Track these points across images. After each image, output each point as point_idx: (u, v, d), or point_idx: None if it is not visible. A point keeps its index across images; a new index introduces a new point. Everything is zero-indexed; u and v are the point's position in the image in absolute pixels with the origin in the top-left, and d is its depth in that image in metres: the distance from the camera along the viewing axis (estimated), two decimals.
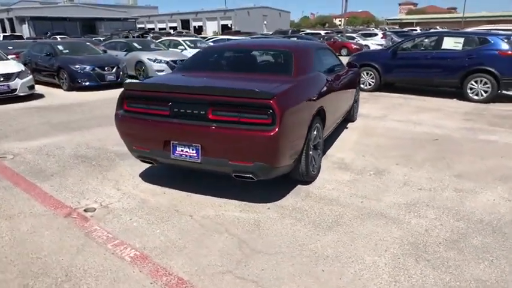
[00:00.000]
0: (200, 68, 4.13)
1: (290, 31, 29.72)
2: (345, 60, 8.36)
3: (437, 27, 58.76)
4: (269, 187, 3.63)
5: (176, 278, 2.37)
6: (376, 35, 27.39)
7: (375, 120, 6.53)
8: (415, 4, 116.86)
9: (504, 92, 7.95)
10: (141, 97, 3.40)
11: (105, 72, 9.93)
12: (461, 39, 8.11)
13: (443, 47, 8.31)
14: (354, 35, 27.20)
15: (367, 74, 9.31)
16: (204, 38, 17.52)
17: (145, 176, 4.03)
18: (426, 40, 8.90)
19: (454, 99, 8.30)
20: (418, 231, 2.92)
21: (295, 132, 3.24)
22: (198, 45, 14.92)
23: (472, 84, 7.95)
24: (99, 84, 9.85)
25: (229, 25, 57.25)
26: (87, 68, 9.74)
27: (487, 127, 6.04)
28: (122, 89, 3.56)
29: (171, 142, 3.27)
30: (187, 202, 3.43)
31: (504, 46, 7.65)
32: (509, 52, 7.57)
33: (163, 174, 4.08)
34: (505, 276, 2.37)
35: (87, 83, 9.73)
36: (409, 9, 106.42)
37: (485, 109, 7.40)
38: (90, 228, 2.98)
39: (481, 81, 7.80)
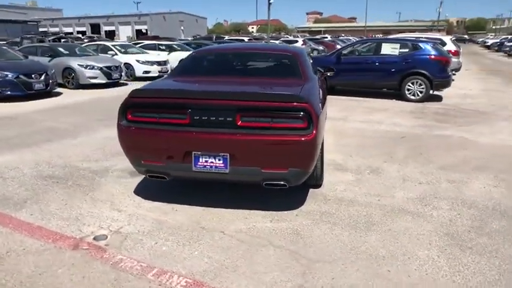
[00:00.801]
0: (201, 73, 3.87)
1: (214, 37, 29.61)
2: None
3: (343, 34, 64.07)
4: (282, 194, 3.53)
5: None
6: (296, 41, 28.74)
7: (339, 121, 6.82)
8: (320, 13, 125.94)
9: (436, 92, 8.96)
10: (151, 105, 3.05)
11: (33, 80, 8.74)
12: (398, 45, 8.95)
13: (382, 53, 9.07)
14: (276, 42, 28.19)
15: None
16: (138, 43, 16.45)
17: (142, 193, 3.62)
18: (367, 46, 9.62)
19: (393, 100, 9.08)
20: (444, 222, 3.10)
21: (322, 135, 3.21)
22: (129, 50, 14.05)
23: (409, 86, 8.80)
24: (26, 93, 8.64)
25: (145, 30, 54.99)
26: (10, 75, 8.47)
27: (436, 123, 6.73)
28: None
29: (193, 153, 2.98)
30: (209, 217, 3.16)
31: (433, 52, 8.63)
32: (438, 57, 8.57)
33: (159, 188, 3.71)
34: None
35: (8, 93, 8.46)
36: (316, 18, 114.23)
37: (423, 107, 8.24)
38: (114, 258, 2.56)
39: (417, 82, 8.68)
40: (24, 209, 3.29)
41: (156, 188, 3.74)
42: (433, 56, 8.55)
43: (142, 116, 3.08)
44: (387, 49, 8.99)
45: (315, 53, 31.50)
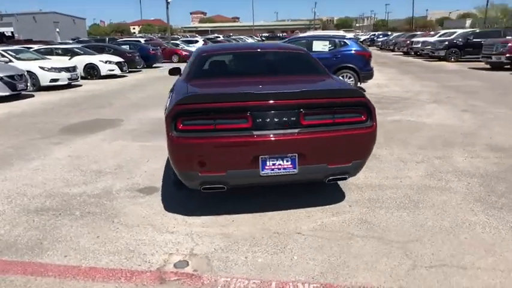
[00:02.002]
0: (224, 74, 3.67)
1: (107, 39, 27.35)
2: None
3: (231, 34, 65.68)
4: (311, 189, 3.62)
5: None
6: (197, 41, 28.52)
7: None
8: (204, 13, 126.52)
9: (362, 83, 10.00)
10: (204, 111, 2.80)
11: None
12: (327, 42, 9.69)
13: (314, 49, 9.70)
14: (177, 42, 27.54)
15: None
16: (28, 48, 14.21)
17: (176, 210, 3.29)
18: (299, 44, 10.15)
19: None
20: (465, 191, 3.58)
21: None
22: (23, 55, 12.14)
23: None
24: None
25: (10, 33, 47.53)
26: None
27: (381, 111, 7.55)
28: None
29: (260, 157, 2.85)
30: (272, 222, 3.07)
31: (358, 47, 9.62)
32: (362, 52, 9.58)
33: (188, 202, 3.45)
34: None
35: None
36: (200, 18, 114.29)
37: None
38: (218, 282, 2.32)
39: (347, 75, 9.55)
40: (49, 252, 2.70)
41: (185, 202, 3.45)
42: (358, 51, 9.52)
43: (195, 125, 2.82)
44: (318, 46, 9.67)
45: None
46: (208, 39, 33.92)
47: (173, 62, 22.87)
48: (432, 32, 29.73)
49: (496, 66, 14.75)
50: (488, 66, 15.36)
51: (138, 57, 17.52)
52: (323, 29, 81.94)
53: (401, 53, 27.44)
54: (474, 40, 18.54)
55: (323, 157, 2.95)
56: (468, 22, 78.52)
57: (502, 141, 5.20)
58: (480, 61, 16.18)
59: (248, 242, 2.79)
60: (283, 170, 2.90)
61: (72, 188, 3.88)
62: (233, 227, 3.00)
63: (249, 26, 79.64)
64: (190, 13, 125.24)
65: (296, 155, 2.89)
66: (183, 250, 2.69)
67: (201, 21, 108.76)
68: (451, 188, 3.66)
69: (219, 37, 44.27)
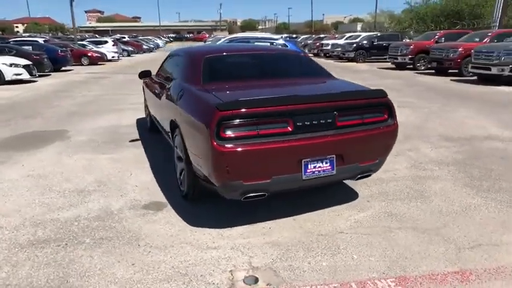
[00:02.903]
0: (233, 77, 3.50)
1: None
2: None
3: (134, 34, 62.73)
4: (323, 189, 3.72)
5: None
6: (106, 42, 26.54)
7: None
8: (101, 12, 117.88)
9: None
10: (247, 116, 2.67)
11: None
12: (268, 45, 9.89)
13: None
14: (84, 43, 25.26)
15: None
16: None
17: (204, 223, 3.07)
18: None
19: None
20: (451, 178, 4.03)
21: None
22: None
23: None
24: None
25: None
26: None
27: None
28: None
29: (302, 161, 2.82)
30: (309, 224, 3.07)
31: (297, 50, 10.03)
32: (302, 54, 10.00)
33: (207, 214, 3.26)
34: None
35: None
36: (98, 17, 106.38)
37: None
38: None
39: None
40: None
41: (203, 214, 3.24)
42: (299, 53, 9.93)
43: (239, 131, 2.67)
44: None
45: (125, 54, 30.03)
46: (117, 40, 31.82)
47: (83, 65, 21.05)
48: (338, 35, 32.40)
49: (401, 66, 16.78)
50: (393, 66, 17.39)
51: (47, 60, 15.62)
52: (229, 32, 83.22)
53: (312, 55, 29.37)
54: (378, 42, 20.79)
55: (356, 156, 3.06)
56: (359, 26, 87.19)
57: (448, 132, 5.96)
58: (386, 61, 18.22)
59: (300, 247, 2.75)
60: (323, 172, 2.93)
61: (59, 212, 3.34)
62: (275, 234, 2.92)
63: (153, 26, 76.76)
64: (85, 11, 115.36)
65: (334, 156, 2.94)
66: (241, 265, 2.53)
67: (99, 20, 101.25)
68: (439, 176, 4.10)
69: (124, 37, 41.87)
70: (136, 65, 21.11)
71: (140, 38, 45.81)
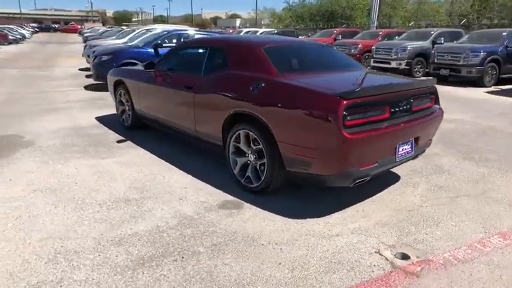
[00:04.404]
0: (293, 68, 3.50)
1: None
2: None
3: None
4: None
5: None
6: None
7: None
8: None
9: None
10: (361, 105, 2.79)
11: None
12: None
13: None
14: None
15: None
16: None
17: (300, 214, 3.06)
18: (180, 38, 9.59)
19: None
20: (449, 154, 4.79)
21: None
22: None
23: None
24: None
25: None
26: None
27: None
28: None
29: (398, 144, 3.07)
30: (393, 204, 3.33)
31: None
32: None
33: (293, 203, 3.29)
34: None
35: None
36: None
37: None
38: (449, 258, 2.51)
39: None
40: None
41: (288, 206, 3.23)
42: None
43: (357, 119, 2.77)
44: None
45: None
46: None
47: None
48: (231, 30, 33.04)
49: None
50: None
51: None
52: (103, 23, 76.38)
53: None
54: None
55: (423, 138, 3.45)
56: (238, 22, 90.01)
57: None
58: None
59: (405, 223, 2.99)
60: (406, 154, 3.24)
61: (129, 226, 2.87)
62: (374, 216, 3.10)
63: (11, 14, 65.47)
64: None
65: (413, 139, 3.27)
66: (378, 245, 2.66)
67: None
68: (438, 154, 4.82)
69: None
70: (17, 58, 18.09)
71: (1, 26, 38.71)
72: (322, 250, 2.61)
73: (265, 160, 3.22)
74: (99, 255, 2.51)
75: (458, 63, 11.05)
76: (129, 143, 4.97)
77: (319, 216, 3.06)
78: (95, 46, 11.90)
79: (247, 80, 3.36)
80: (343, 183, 2.96)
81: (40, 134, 5.31)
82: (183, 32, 9.90)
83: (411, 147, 3.28)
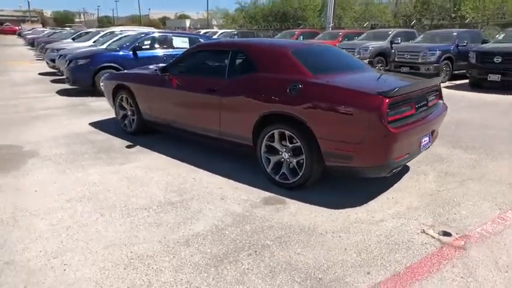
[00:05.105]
0: (320, 69, 3.71)
1: None
2: None
3: None
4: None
5: None
6: None
7: None
8: None
9: None
10: (397, 103, 3.11)
11: None
12: (186, 39, 9.60)
13: (175, 46, 9.40)
14: None
15: None
16: None
17: (339, 204, 3.32)
18: (158, 40, 9.42)
19: None
20: (446, 142, 5.30)
21: None
22: None
23: None
24: None
25: None
26: None
27: None
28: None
29: (422, 136, 3.43)
30: (413, 190, 3.68)
31: None
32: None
33: (334, 193, 3.55)
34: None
35: None
36: None
37: None
38: (483, 233, 2.89)
39: None
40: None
41: (328, 197, 3.48)
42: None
43: (394, 115, 3.07)
44: (179, 43, 9.46)
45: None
46: None
47: None
48: (196, 31, 32.61)
49: None
50: None
51: None
52: (43, 24, 71.63)
53: None
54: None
55: (436, 130, 3.85)
56: (188, 22, 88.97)
57: None
58: None
59: (432, 206, 3.34)
60: (426, 145, 3.62)
61: (188, 227, 2.95)
62: (404, 202, 3.43)
63: None
64: None
65: (430, 132, 3.66)
66: (421, 226, 2.98)
67: None
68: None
69: None
70: None
71: None
72: (376, 234, 2.88)
73: (303, 157, 3.43)
74: (173, 257, 2.58)
75: (417, 61, 11.99)
76: (138, 147, 4.93)
77: (358, 205, 3.34)
78: (59, 50, 11.34)
79: (282, 82, 3.54)
80: (381, 173, 3.26)
81: (39, 142, 5.08)
82: (163, 34, 9.76)
83: (429, 138, 3.67)
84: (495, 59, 9.85)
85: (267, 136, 3.67)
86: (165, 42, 9.34)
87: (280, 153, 3.65)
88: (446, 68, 11.99)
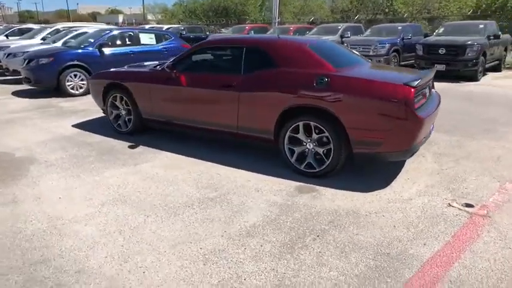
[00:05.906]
0: (335, 63, 3.88)
1: None
2: None
3: None
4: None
5: None
6: None
7: None
8: None
9: None
10: (418, 92, 3.45)
11: None
12: (153, 35, 9.29)
13: (142, 42, 9.06)
14: None
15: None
16: None
17: (365, 188, 3.60)
18: (125, 37, 8.95)
19: None
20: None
21: None
22: None
23: None
24: None
25: None
26: None
27: None
28: None
29: (432, 123, 3.82)
30: (426, 171, 4.07)
31: (181, 41, 9.90)
32: (185, 45, 9.97)
33: (356, 180, 3.82)
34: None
35: None
36: None
37: None
38: (489, 205, 3.34)
39: None
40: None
41: (355, 183, 3.74)
42: (183, 44, 9.84)
43: (416, 103, 3.40)
44: (146, 39, 9.14)
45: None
46: None
47: None
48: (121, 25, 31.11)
49: None
50: None
51: None
52: None
53: None
54: (187, 34, 21.85)
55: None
56: (121, 18, 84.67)
57: None
58: None
59: (445, 182, 3.76)
60: (432, 130, 4.04)
61: (242, 220, 3.01)
62: (421, 182, 3.78)
63: None
64: None
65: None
66: (444, 200, 3.36)
67: None
68: None
69: None
70: None
71: None
72: (412, 211, 3.19)
73: (330, 146, 3.64)
74: (245, 248, 2.64)
75: (369, 54, 12.79)
76: (142, 147, 4.78)
77: (383, 188, 3.64)
78: (2, 48, 10.32)
79: (308, 76, 3.69)
80: (405, 157, 3.60)
81: (28, 148, 4.69)
82: (129, 31, 9.34)
83: (433, 127, 4.09)
84: (440, 51, 10.94)
85: (291, 128, 3.81)
86: (132, 39, 8.99)
87: (304, 143, 3.82)
88: (394, 59, 12.99)
